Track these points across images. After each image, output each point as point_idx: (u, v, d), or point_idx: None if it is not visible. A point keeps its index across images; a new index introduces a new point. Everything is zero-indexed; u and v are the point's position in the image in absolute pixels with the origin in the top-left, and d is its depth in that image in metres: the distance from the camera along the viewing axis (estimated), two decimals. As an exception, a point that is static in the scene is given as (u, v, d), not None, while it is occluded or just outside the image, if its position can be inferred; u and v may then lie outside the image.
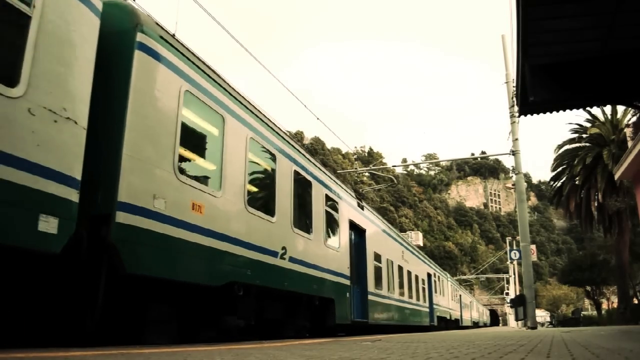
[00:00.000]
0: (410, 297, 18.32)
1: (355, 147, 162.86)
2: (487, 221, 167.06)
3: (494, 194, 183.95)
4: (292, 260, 8.03)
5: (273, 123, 8.13)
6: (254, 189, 7.43)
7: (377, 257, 14.00)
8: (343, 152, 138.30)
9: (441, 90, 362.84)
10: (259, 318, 7.34)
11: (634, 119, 16.87)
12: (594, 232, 34.25)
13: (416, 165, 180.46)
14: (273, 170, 7.97)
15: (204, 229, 5.71)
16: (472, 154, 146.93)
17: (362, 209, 13.05)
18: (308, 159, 9.57)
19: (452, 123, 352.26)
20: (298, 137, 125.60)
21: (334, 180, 10.94)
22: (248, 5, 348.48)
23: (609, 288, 38.44)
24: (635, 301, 30.51)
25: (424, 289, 21.54)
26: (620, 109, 27.20)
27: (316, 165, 10.00)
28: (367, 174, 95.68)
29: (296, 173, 8.69)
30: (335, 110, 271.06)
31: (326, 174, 10.49)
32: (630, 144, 14.69)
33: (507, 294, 55.85)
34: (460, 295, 37.62)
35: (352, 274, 11.20)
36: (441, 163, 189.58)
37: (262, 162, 7.83)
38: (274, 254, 7.42)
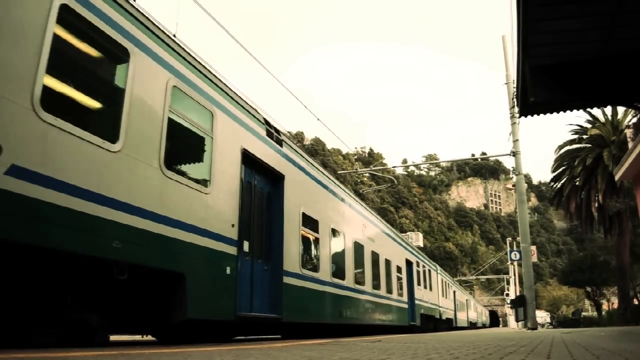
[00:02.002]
0: (377, 287, 13.82)
1: (356, 148, 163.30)
2: (488, 222, 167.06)
3: (495, 194, 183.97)
4: (35, 178, 3.86)
5: None
6: None
7: (310, 223, 9.46)
8: (343, 153, 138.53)
9: (441, 91, 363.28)
10: None
11: (635, 120, 16.89)
12: (594, 233, 34.25)
13: (416, 165, 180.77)
14: None
15: None
16: (473, 155, 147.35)
17: (280, 145, 8.42)
18: (120, 5, 5.04)
19: (453, 124, 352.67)
20: (298, 137, 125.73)
21: (206, 77, 6.52)
22: (250, 9, 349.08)
23: (609, 289, 38.47)
24: (636, 302, 30.49)
25: (400, 279, 17.01)
26: (621, 110, 27.23)
27: (150, 29, 5.48)
28: (367, 174, 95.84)
29: (70, 13, 4.37)
30: (336, 111, 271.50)
31: (180, 56, 6.00)
32: (630, 145, 14.69)
33: (508, 294, 55.87)
34: (454, 292, 33.83)
35: (249, 238, 7.17)
36: (441, 164, 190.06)
37: None
38: None
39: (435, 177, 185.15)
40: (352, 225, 12.40)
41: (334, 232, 10.87)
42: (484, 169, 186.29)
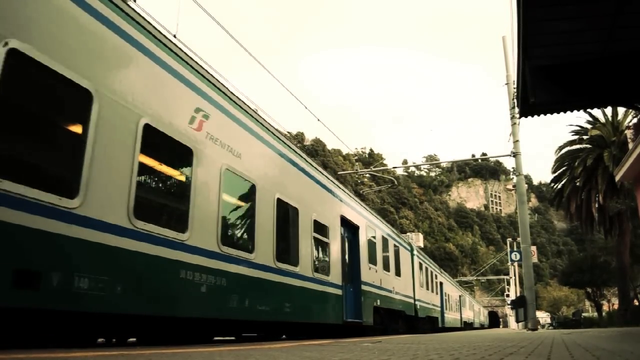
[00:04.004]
0: (248, 248, 7.25)
1: (356, 149, 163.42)
2: (488, 222, 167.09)
3: (495, 195, 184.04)
4: None
5: None
6: None
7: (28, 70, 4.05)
8: (344, 154, 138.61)
9: (442, 92, 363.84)
10: None
11: (635, 120, 16.90)
12: (594, 233, 34.24)
13: (417, 166, 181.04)
14: None
15: None
16: (473, 156, 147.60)
17: None
18: None
19: (453, 125, 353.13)
20: (298, 138, 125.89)
21: None
22: (258, 13, 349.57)
23: (610, 290, 38.45)
24: (636, 303, 30.49)
25: (324, 245, 10.34)
26: (621, 110, 27.25)
27: None
28: (367, 175, 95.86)
29: None
30: (336, 113, 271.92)
31: None
32: (630, 145, 14.69)
33: (508, 295, 55.92)
34: (440, 284, 26.73)
35: None
36: (442, 164, 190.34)
37: None
38: None
39: (436, 178, 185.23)
40: (181, 117, 6.03)
41: (121, 115, 5.03)
42: (484, 170, 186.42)
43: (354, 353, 4.08)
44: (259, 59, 11.27)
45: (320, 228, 10.11)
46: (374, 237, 14.19)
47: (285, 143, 9.17)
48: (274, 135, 8.68)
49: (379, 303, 13.59)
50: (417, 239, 41.31)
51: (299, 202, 9.19)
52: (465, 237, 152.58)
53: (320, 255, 10.26)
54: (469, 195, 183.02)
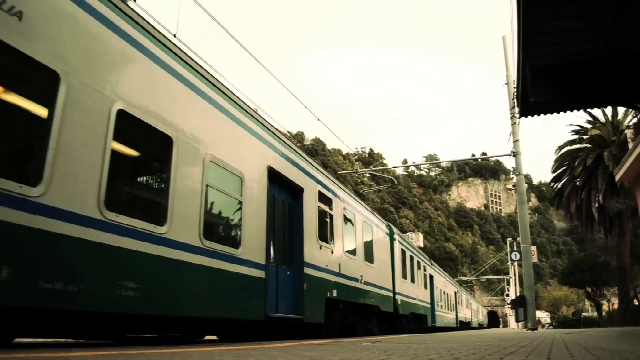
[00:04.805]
0: (39, 183, 3.92)
1: (356, 149, 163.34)
2: (488, 222, 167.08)
3: (495, 195, 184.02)
4: None
5: None
6: None
7: None
8: (344, 153, 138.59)
9: (442, 92, 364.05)
10: None
11: (635, 120, 16.89)
12: (594, 233, 34.25)
13: (417, 166, 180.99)
14: None
15: None
16: (473, 155, 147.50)
17: None
18: None
19: (453, 125, 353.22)
20: (299, 138, 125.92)
21: None
22: (257, 13, 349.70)
23: (610, 289, 38.44)
24: (636, 303, 30.46)
25: (233, 204, 7.12)
26: (621, 110, 27.25)
27: None
28: (368, 175, 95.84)
29: None
30: (337, 112, 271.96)
31: None
32: (631, 145, 14.69)
33: (508, 295, 55.93)
34: (431, 277, 23.94)
35: None
36: (442, 164, 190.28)
37: None
38: None
39: (436, 178, 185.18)
40: None
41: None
42: (485, 170, 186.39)
43: (354, 353, 4.09)
44: (259, 58, 11.26)
45: (223, 177, 6.94)
46: (330, 208, 10.79)
47: (150, 34, 5.60)
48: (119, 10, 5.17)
49: (335, 294, 10.29)
50: (418, 239, 41.23)
51: (176, 128, 5.89)
52: (466, 237, 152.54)
53: (223, 217, 7.21)
54: (469, 195, 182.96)
